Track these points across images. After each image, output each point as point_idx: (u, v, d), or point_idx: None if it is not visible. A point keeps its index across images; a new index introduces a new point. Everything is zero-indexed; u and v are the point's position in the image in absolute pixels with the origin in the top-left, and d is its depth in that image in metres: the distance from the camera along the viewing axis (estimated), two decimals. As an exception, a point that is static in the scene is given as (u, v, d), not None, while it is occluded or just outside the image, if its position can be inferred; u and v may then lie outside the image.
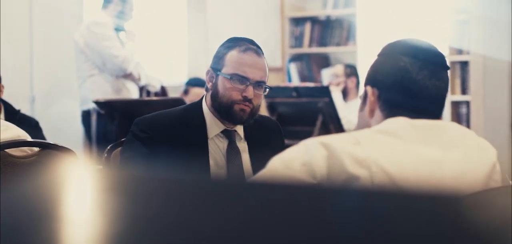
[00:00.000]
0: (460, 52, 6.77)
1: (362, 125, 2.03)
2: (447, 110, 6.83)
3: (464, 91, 6.79)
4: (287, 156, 1.86)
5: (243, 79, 2.86)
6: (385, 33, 7.32)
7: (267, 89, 2.93)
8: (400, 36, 6.09)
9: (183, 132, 2.87)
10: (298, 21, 8.01)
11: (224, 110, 2.89)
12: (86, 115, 6.03)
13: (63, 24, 6.84)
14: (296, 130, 6.15)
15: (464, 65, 6.74)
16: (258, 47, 2.95)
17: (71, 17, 6.90)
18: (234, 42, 2.94)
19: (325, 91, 6.08)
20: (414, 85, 1.96)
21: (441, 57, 2.02)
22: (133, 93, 6.13)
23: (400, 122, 1.91)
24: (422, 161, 1.86)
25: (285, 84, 7.45)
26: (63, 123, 6.73)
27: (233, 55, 2.90)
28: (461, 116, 6.82)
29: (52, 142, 3.06)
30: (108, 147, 3.07)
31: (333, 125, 5.99)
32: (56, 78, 6.86)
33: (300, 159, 1.83)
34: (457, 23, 6.76)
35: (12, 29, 6.63)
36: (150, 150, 2.82)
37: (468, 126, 6.66)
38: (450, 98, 6.81)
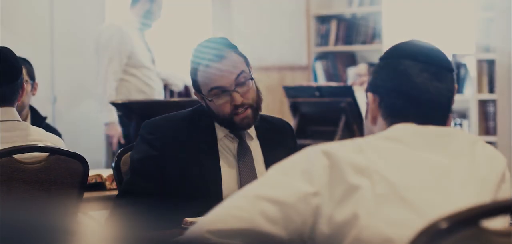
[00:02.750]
0: (487, 50, 6.67)
1: (368, 132, 1.97)
2: (474, 109, 6.74)
3: (491, 89, 6.69)
4: (287, 163, 1.82)
5: (222, 92, 2.77)
6: (411, 30, 7.23)
7: (252, 78, 2.81)
8: (426, 33, 6.00)
9: (192, 134, 2.81)
10: (323, 19, 7.94)
11: (228, 124, 2.81)
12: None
13: (84, 23, 6.83)
14: (319, 130, 6.10)
15: (492, 63, 6.64)
16: (221, 44, 2.81)
17: (92, 16, 6.89)
18: (195, 59, 2.82)
19: (348, 91, 6.02)
20: (414, 89, 1.89)
21: (444, 59, 1.94)
22: (156, 92, 6.10)
23: (406, 128, 1.85)
24: (428, 169, 1.79)
25: (309, 83, 7.39)
26: (85, 124, 6.72)
27: (200, 76, 2.79)
28: (488, 115, 6.72)
29: (61, 148, 3.03)
30: (118, 152, 3.04)
31: (356, 125, 5.93)
32: (78, 78, 6.86)
33: (300, 167, 1.78)
34: (483, 20, 6.66)
35: (33, 29, 6.64)
36: (158, 153, 2.77)
37: (495, 124, 6.56)
38: (477, 96, 6.71)
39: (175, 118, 2.86)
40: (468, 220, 1.53)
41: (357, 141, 1.84)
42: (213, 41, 2.83)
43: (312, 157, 1.78)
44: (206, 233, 1.74)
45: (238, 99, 2.76)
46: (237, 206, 1.77)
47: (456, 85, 1.98)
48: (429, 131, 1.86)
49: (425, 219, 1.54)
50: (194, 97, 2.99)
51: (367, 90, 1.98)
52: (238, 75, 2.77)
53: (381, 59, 1.98)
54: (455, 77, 1.97)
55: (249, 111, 2.79)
